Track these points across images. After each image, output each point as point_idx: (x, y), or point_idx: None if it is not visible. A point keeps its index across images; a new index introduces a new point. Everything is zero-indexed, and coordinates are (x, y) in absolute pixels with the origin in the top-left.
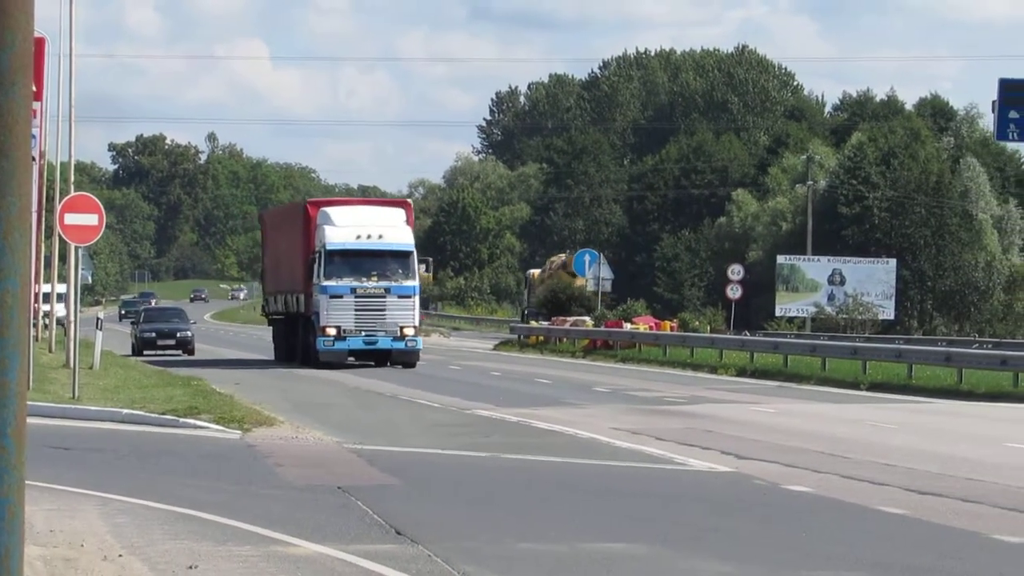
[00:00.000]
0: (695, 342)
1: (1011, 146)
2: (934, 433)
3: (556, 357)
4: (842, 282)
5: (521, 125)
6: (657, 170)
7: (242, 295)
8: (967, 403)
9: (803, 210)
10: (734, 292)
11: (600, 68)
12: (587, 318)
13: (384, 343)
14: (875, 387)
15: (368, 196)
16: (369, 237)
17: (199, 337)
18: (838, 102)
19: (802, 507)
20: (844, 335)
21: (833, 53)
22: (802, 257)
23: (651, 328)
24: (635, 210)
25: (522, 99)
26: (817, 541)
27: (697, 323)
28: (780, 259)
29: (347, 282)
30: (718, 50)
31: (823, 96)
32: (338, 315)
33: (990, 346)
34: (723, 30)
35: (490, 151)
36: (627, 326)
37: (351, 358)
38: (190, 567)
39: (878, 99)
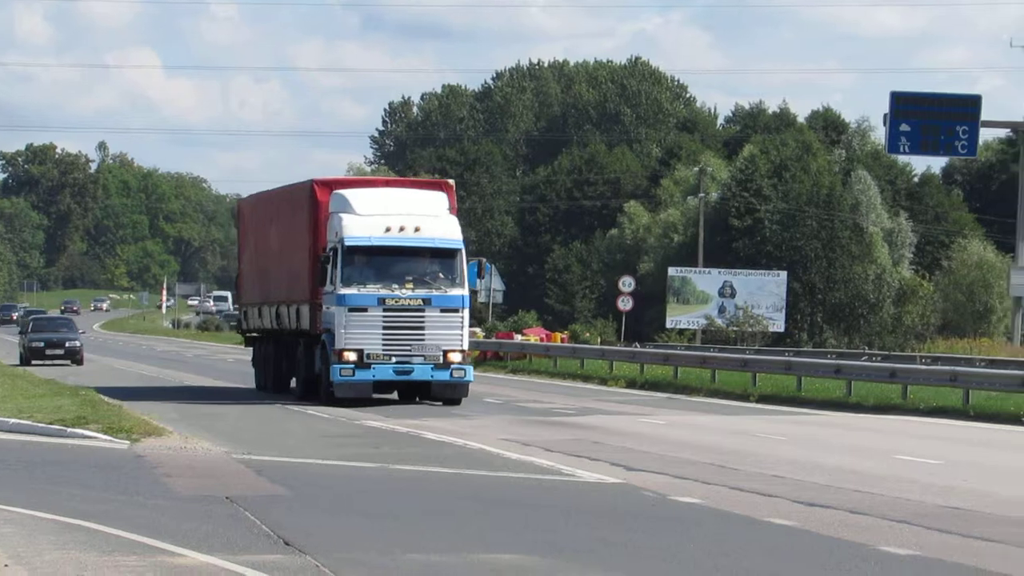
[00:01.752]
0: (585, 353)
1: (902, 159)
2: (823, 445)
3: None
4: (733, 294)
5: (414, 136)
6: (549, 181)
7: (104, 305)
8: (856, 415)
9: (695, 222)
10: (625, 304)
11: (493, 79)
12: (478, 329)
13: (421, 372)
14: (764, 399)
15: None
16: (403, 230)
17: (89, 347)
18: (730, 114)
19: (691, 518)
20: (734, 347)
21: (726, 65)
22: (693, 269)
23: (542, 339)
24: (527, 221)
25: (415, 109)
26: (705, 553)
27: (588, 335)
28: (671, 271)
29: (373, 290)
30: (611, 62)
31: (715, 108)
32: (360, 334)
33: (879, 359)
34: (616, 42)
35: (383, 161)
36: (518, 337)
37: (377, 392)
38: None
39: (770, 111)
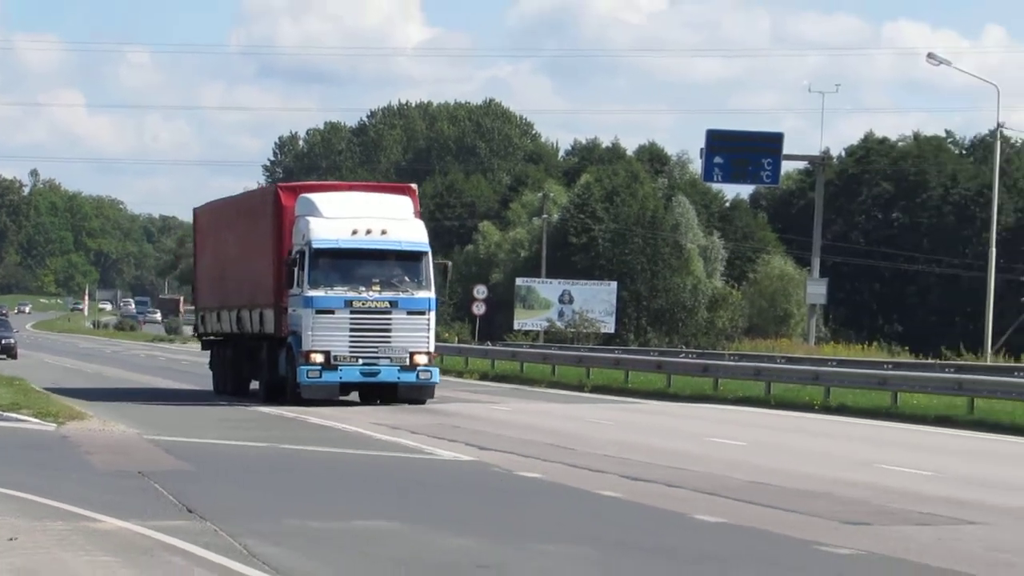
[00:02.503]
0: (445, 351)
1: (715, 187)
2: (646, 429)
3: None
4: (571, 301)
5: (300, 165)
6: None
7: (27, 309)
8: (674, 404)
9: (539, 239)
10: (479, 309)
11: (368, 117)
12: None
13: (388, 374)
14: (596, 389)
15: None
16: (369, 233)
17: (22, 344)
18: (570, 148)
19: (533, 490)
20: (571, 346)
21: (566, 107)
22: (537, 280)
23: None
24: None
25: (301, 143)
26: (545, 519)
27: (447, 335)
28: (519, 281)
29: (340, 292)
30: (468, 103)
31: (557, 143)
32: (327, 336)
33: (694, 356)
34: (473, 87)
35: None
36: None
37: (344, 394)
38: (10, 539)
39: (604, 146)
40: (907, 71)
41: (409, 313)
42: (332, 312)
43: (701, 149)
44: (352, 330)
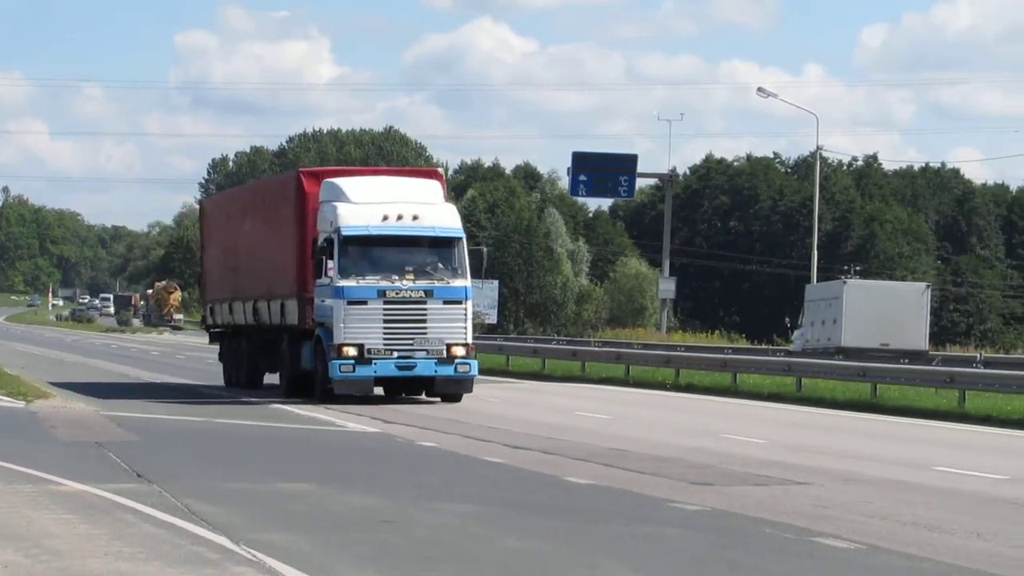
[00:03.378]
0: None
1: (581, 200)
2: (524, 404)
3: None
4: None
5: (229, 183)
6: None
7: None
8: (548, 383)
9: None
10: None
11: (287, 142)
12: None
13: (424, 368)
14: (484, 372)
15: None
16: (400, 218)
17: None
18: (458, 167)
19: (431, 457)
20: None
21: (454, 132)
22: None
23: None
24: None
25: (231, 164)
26: (441, 482)
27: None
28: None
29: (372, 282)
30: (371, 130)
31: (447, 163)
32: (360, 328)
33: (565, 343)
34: (375, 115)
35: None
36: None
37: (379, 388)
38: None
39: (486, 165)
40: (740, 102)
41: (445, 303)
42: (364, 303)
43: (568, 168)
44: (386, 321)
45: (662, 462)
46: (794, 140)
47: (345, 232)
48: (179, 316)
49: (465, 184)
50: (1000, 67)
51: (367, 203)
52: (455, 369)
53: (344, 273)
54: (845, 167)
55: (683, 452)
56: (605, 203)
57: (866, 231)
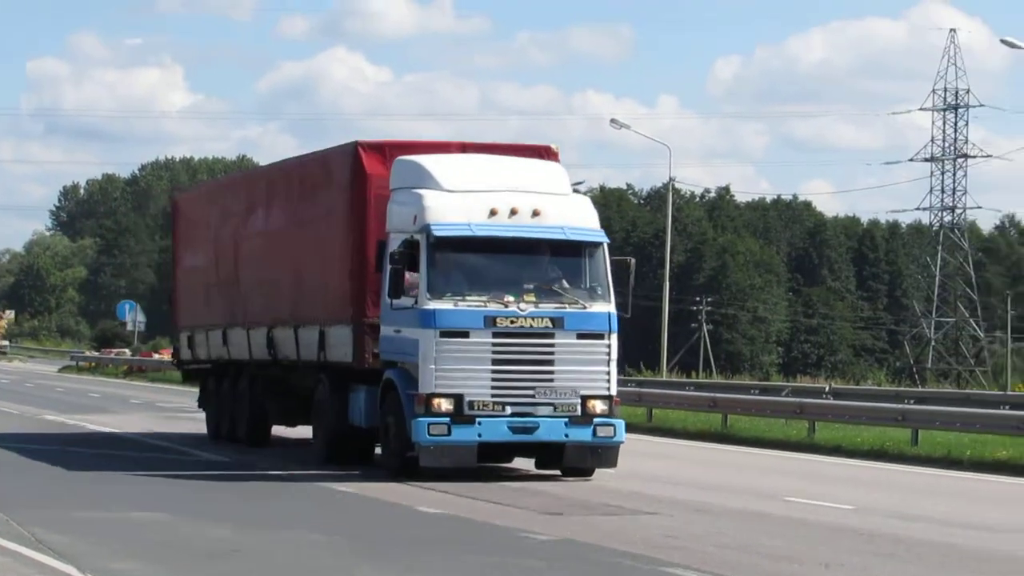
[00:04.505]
0: None
1: None
2: None
3: (104, 378)
4: None
5: (81, 210)
6: None
7: None
8: None
9: None
10: None
11: (139, 169)
12: (127, 349)
13: (550, 430)
14: None
15: None
16: (515, 214)
17: None
18: None
19: (279, 487)
20: None
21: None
22: None
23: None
24: (163, 272)
25: (82, 191)
26: (288, 511)
27: None
28: None
29: (476, 304)
30: (224, 158)
31: None
32: (458, 372)
33: None
34: (228, 144)
35: (59, 228)
36: (155, 356)
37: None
38: None
39: None
40: (595, 133)
41: (580, 336)
42: (465, 335)
43: None
44: (496, 363)
45: (514, 492)
46: (648, 171)
47: (437, 232)
48: (4, 342)
49: None
50: (852, 100)
51: (466, 191)
52: (594, 433)
53: (435, 292)
54: (698, 199)
55: (533, 482)
56: None
57: (718, 263)
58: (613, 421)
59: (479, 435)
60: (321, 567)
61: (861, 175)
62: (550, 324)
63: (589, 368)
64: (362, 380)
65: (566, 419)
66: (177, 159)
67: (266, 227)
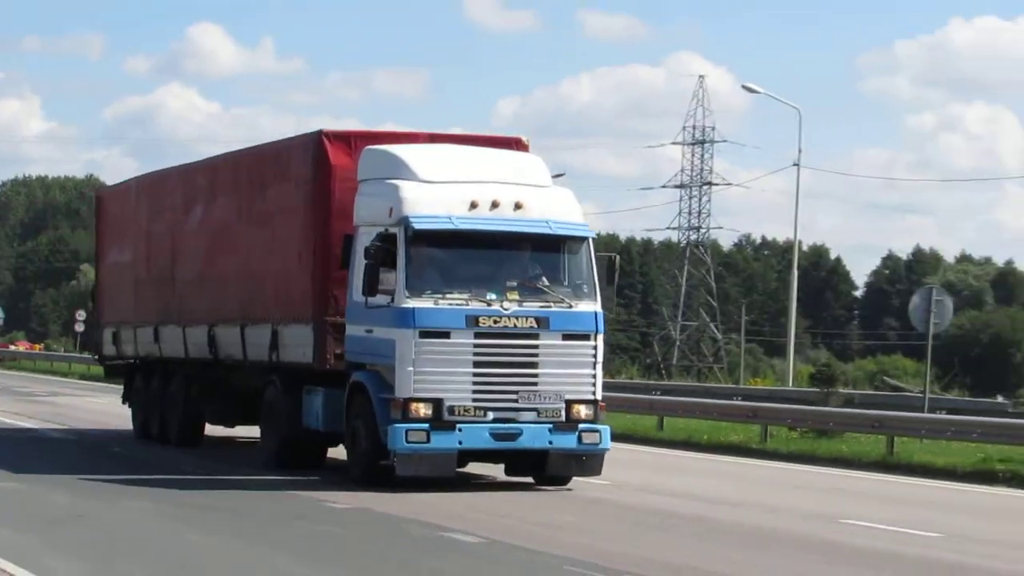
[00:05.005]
0: (55, 358)
1: None
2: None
3: None
4: None
5: None
6: (35, 251)
7: None
8: None
9: None
10: (79, 327)
11: (1, 185)
12: None
13: (534, 436)
14: None
15: None
16: (496, 206)
17: None
18: None
19: (121, 458)
20: None
21: None
22: None
23: (27, 348)
24: (20, 276)
25: None
26: (127, 480)
27: (56, 346)
28: None
29: (458, 303)
30: (75, 177)
31: None
32: (438, 374)
33: None
34: (79, 165)
35: None
36: (12, 347)
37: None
38: None
39: None
40: None
41: (565, 337)
42: (446, 335)
43: None
44: (478, 364)
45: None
46: None
47: (417, 225)
48: None
49: None
50: (616, 135)
51: (444, 182)
52: (579, 440)
53: (414, 289)
54: None
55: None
56: None
57: None
58: (598, 427)
59: (460, 442)
60: (151, 535)
61: (622, 199)
62: (535, 324)
63: (574, 371)
64: (318, 381)
65: (550, 425)
66: (34, 177)
67: (209, 222)
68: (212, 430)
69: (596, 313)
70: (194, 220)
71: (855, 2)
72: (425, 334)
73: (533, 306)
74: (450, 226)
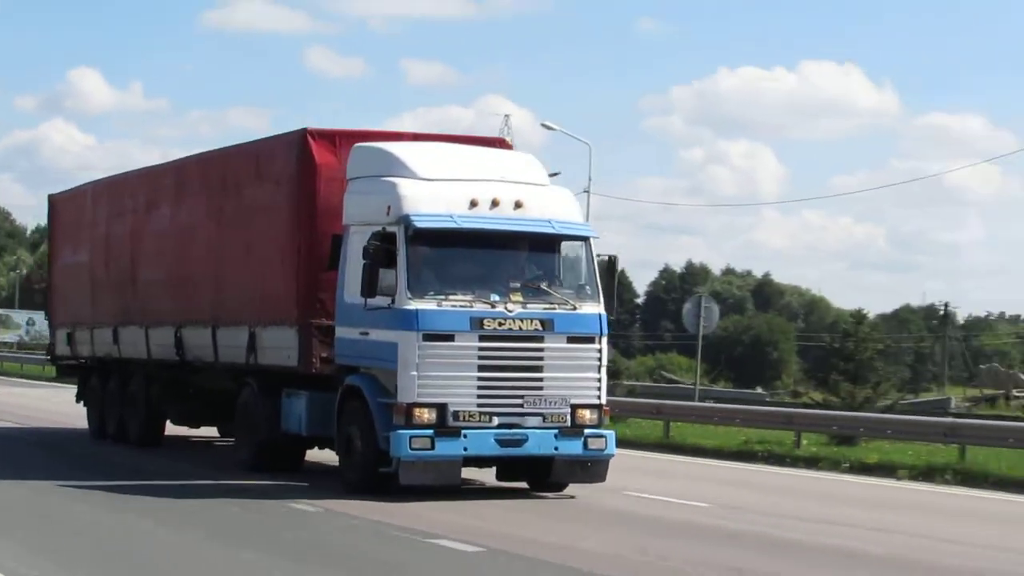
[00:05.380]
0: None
1: None
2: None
3: None
4: (34, 324)
5: None
6: None
7: None
8: None
9: (14, 285)
10: None
11: None
12: None
13: (539, 442)
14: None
15: None
16: (496, 205)
17: None
18: (34, 228)
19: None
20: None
21: (34, 203)
22: (12, 310)
23: None
24: None
25: None
26: (56, 469)
27: None
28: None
29: (461, 304)
30: None
31: (27, 225)
32: (443, 378)
33: None
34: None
35: None
36: None
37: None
38: None
39: None
40: None
41: (570, 340)
42: (451, 338)
43: None
44: (483, 368)
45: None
46: None
47: (418, 223)
48: None
49: (41, 239)
50: None
51: (443, 180)
52: (584, 445)
53: (416, 290)
54: None
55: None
56: None
57: None
58: (604, 432)
59: (465, 448)
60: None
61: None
62: (540, 326)
63: (579, 375)
64: (300, 384)
65: (556, 430)
66: None
67: (177, 223)
68: (170, 429)
69: (600, 315)
70: (160, 221)
71: (638, 53)
72: (429, 337)
73: (537, 308)
74: (453, 225)
